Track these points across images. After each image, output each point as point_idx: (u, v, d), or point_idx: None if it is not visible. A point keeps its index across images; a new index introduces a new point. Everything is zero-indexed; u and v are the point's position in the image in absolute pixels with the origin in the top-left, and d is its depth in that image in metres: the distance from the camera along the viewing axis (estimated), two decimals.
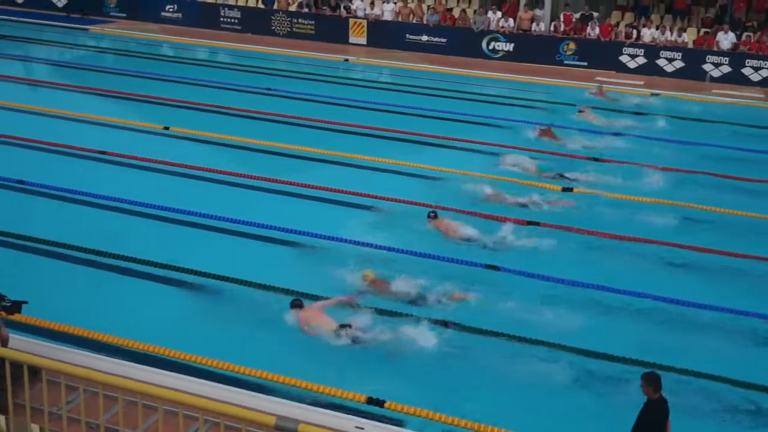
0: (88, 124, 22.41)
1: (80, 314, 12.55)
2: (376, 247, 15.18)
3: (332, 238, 15.50)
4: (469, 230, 15.89)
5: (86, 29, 34.52)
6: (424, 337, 12.11)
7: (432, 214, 16.21)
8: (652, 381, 8.72)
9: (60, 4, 36.80)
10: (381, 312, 12.83)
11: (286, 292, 13.32)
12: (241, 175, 18.63)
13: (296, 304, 12.62)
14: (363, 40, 32.88)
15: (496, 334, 12.46)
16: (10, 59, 29.79)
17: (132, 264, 14.35)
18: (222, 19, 34.76)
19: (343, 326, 12.13)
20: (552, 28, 31.17)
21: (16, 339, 10.13)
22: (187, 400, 6.41)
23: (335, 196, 17.66)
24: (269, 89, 26.47)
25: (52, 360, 7.80)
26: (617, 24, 31.52)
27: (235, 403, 8.52)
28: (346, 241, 15.42)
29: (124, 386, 6.63)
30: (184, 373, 10.70)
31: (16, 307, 10.98)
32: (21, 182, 17.90)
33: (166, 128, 22.06)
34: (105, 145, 20.25)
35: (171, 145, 21.08)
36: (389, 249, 15.14)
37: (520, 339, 12.35)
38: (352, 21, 33.00)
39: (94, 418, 7.65)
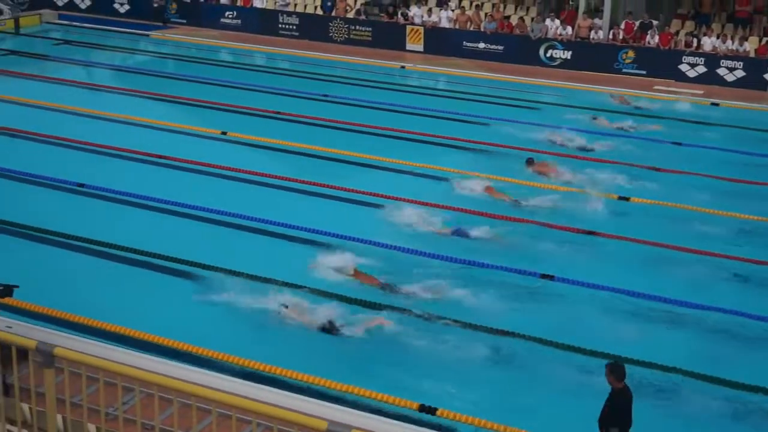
0: (147, 129, 22.76)
1: (142, 316, 12.78)
2: (435, 257, 15.16)
3: (387, 246, 15.53)
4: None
5: (147, 35, 35.06)
6: (476, 345, 12.08)
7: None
8: (615, 371, 9.05)
9: (122, 10, 37.43)
10: (438, 318, 12.86)
11: (348, 300, 13.37)
12: (296, 180, 18.75)
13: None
14: (420, 47, 32.89)
15: (548, 343, 12.41)
16: (74, 64, 30.39)
17: (187, 267, 14.53)
18: (280, 25, 35.05)
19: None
20: (611, 36, 30.86)
21: (73, 340, 10.31)
22: (241, 404, 6.46)
23: (390, 203, 17.66)
24: (326, 95, 26.60)
25: (109, 361, 7.92)
26: (677, 32, 31.09)
27: (288, 407, 8.57)
28: (401, 249, 15.43)
29: (179, 388, 6.70)
30: (237, 378, 10.80)
31: (8, 290, 12.11)
32: (81, 185, 18.23)
33: (224, 133, 22.30)
34: (163, 149, 20.54)
35: (228, 150, 21.29)
36: (453, 260, 15.07)
37: (573, 348, 12.27)
38: (409, 28, 33.03)
39: (150, 419, 7.75)
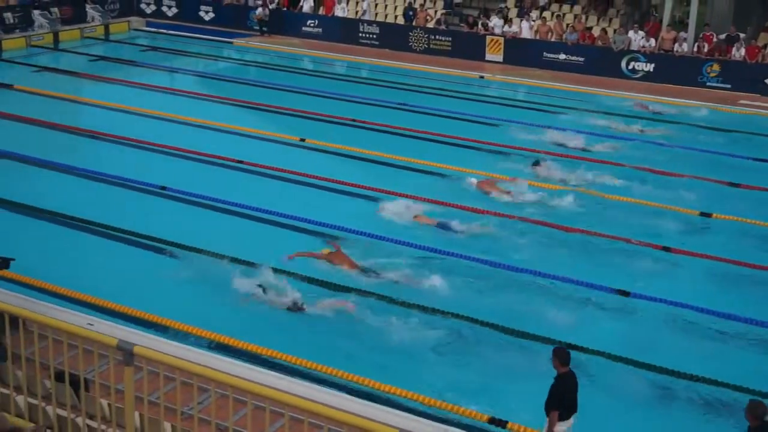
0: (228, 134, 23.15)
1: (228, 322, 12.99)
2: (517, 270, 15.12)
3: (458, 256, 15.52)
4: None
5: (230, 42, 35.67)
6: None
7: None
8: (559, 355, 9.35)
9: (207, 18, 38.13)
10: (506, 332, 12.82)
11: (432, 311, 13.40)
12: (373, 189, 18.83)
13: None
14: (499, 58, 32.78)
15: (619, 359, 12.33)
16: (159, 70, 31.08)
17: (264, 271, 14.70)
18: (361, 34, 35.30)
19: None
20: (695, 49, 30.31)
21: (152, 340, 10.54)
22: (313, 408, 6.54)
23: (465, 213, 17.64)
24: (403, 104, 26.69)
25: (186, 361, 8.08)
26: (765, 46, 30.37)
27: (362, 414, 8.63)
28: (476, 259, 15.42)
29: (253, 390, 6.81)
30: (315, 384, 10.95)
31: (5, 263, 13.12)
32: (163, 188, 18.64)
33: (302, 140, 22.55)
34: (243, 154, 20.88)
35: (306, 157, 21.51)
36: (533, 272, 15.01)
37: (649, 366, 12.12)
38: (488, 38, 32.95)
39: (224, 419, 7.89)
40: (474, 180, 19.31)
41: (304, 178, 19.49)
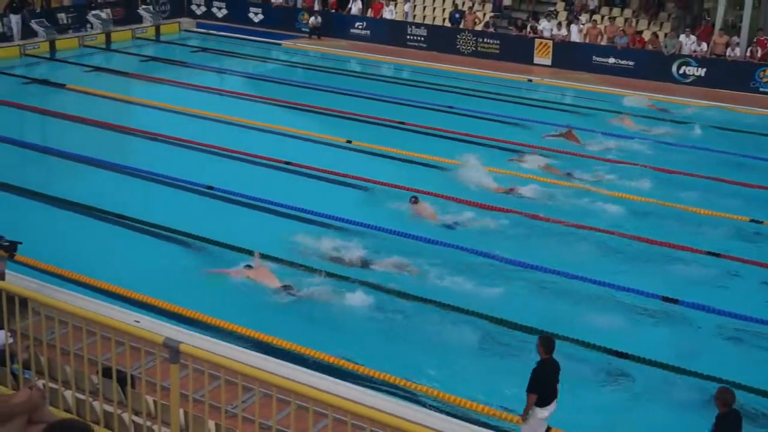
0: (275, 135, 23.29)
1: (272, 323, 13.07)
2: (569, 276, 15.00)
3: (515, 263, 15.46)
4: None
5: (279, 44, 35.88)
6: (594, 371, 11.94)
7: (413, 199, 17.45)
8: (545, 343, 9.77)
9: (257, 20, 38.40)
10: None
11: (479, 315, 13.34)
12: (419, 192, 18.79)
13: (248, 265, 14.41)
14: (548, 61, 32.57)
15: (666, 366, 12.21)
16: (209, 71, 31.37)
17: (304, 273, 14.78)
18: (408, 36, 35.30)
19: (285, 287, 13.89)
20: (748, 54, 29.85)
21: (197, 338, 10.62)
22: (357, 410, 6.53)
23: (512, 217, 17.56)
24: (451, 107, 26.64)
25: (231, 360, 8.13)
26: None
27: (407, 418, 8.64)
28: (526, 265, 15.32)
29: (296, 390, 6.83)
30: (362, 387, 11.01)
31: (13, 246, 13.45)
32: (210, 188, 18.80)
33: (349, 142, 22.61)
34: (290, 155, 20.99)
35: (352, 159, 21.56)
36: (565, 275, 14.92)
37: (690, 373, 12.02)
38: (537, 41, 32.75)
39: (267, 419, 7.93)
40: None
41: (350, 180, 19.53)
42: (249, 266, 14.54)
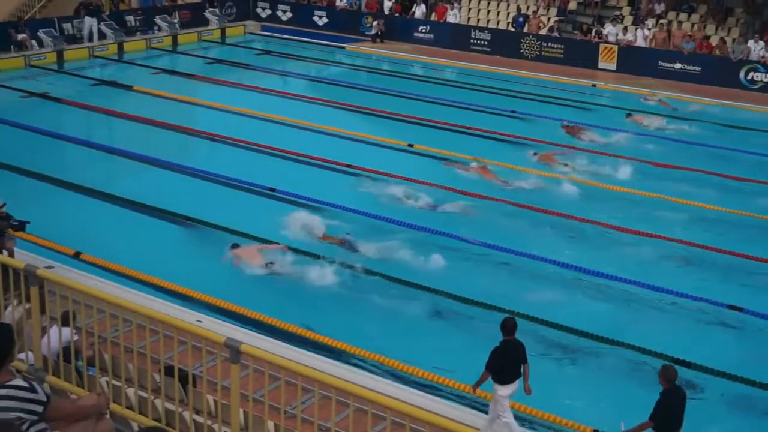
0: (337, 138, 23.35)
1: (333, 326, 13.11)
2: (628, 282, 14.90)
3: (582, 270, 15.36)
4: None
5: (342, 47, 36.03)
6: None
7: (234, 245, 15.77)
8: (506, 325, 10.16)
9: (321, 23, 38.63)
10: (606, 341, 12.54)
11: (557, 327, 13.26)
12: (480, 197, 18.73)
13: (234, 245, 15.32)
14: (612, 66, 32.19)
15: (731, 376, 12.03)
16: (273, 73, 31.64)
17: (367, 277, 14.80)
18: (472, 41, 35.19)
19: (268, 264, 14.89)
20: None
21: (257, 338, 10.70)
22: (416, 413, 6.50)
23: (579, 224, 17.39)
24: (513, 111, 26.47)
25: (291, 361, 8.15)
26: None
27: (466, 422, 8.59)
28: (602, 274, 15.17)
29: (355, 392, 6.82)
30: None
31: (21, 225, 14.47)
32: (272, 189, 18.94)
33: (410, 145, 22.58)
34: (352, 158, 21.04)
35: (413, 162, 21.52)
36: (659, 289, 14.71)
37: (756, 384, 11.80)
38: (602, 46, 32.39)
39: (326, 420, 7.94)
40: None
41: (411, 183, 19.49)
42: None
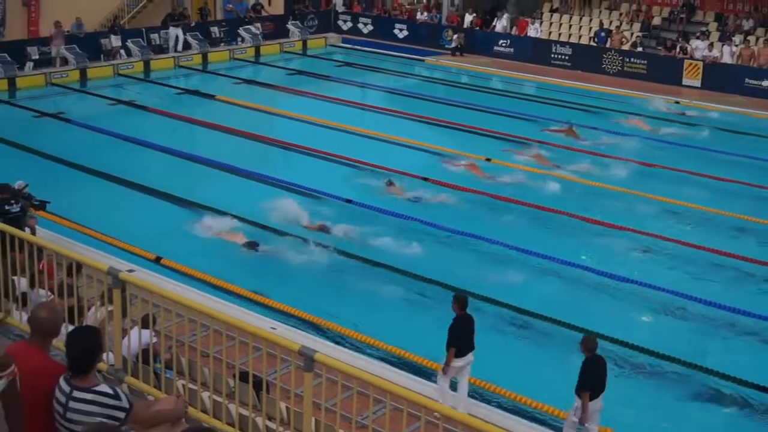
0: (414, 150, 23.38)
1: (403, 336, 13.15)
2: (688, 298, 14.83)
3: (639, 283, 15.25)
4: None
5: (422, 60, 36.12)
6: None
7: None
8: (459, 301, 10.99)
9: (401, 36, 38.78)
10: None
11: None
12: (559, 212, 18.59)
13: None
14: (697, 83, 31.58)
15: None
16: (352, 85, 31.88)
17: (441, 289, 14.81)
18: (553, 55, 34.93)
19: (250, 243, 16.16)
20: None
21: (331, 348, 10.76)
22: (488, 429, 6.47)
23: (659, 243, 17.16)
24: (594, 128, 26.11)
25: (364, 371, 8.18)
26: None
27: None
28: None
29: (427, 405, 6.82)
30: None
31: (42, 205, 15.73)
32: (349, 201, 19.07)
33: (488, 160, 22.48)
34: (428, 171, 21.06)
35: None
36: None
37: None
38: (686, 62, 31.81)
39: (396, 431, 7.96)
40: None
41: (488, 199, 19.42)
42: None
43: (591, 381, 9.99)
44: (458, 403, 10.68)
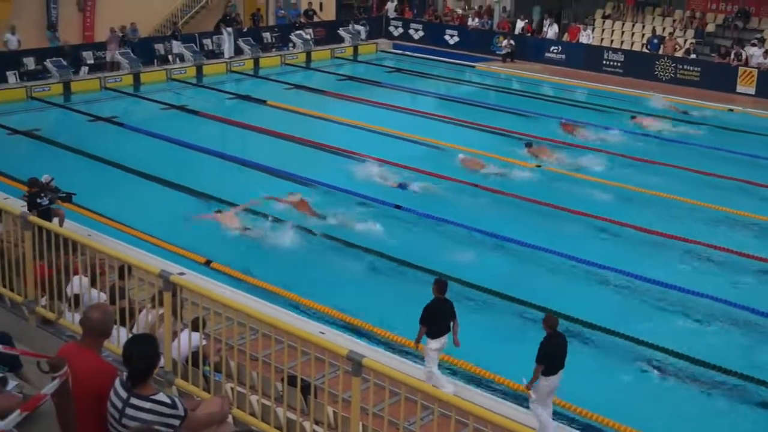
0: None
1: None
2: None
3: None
4: None
5: (473, 66, 36.02)
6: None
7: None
8: (438, 285, 11.61)
9: (452, 42, 38.71)
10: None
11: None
12: (605, 220, 18.42)
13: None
14: (751, 90, 31.08)
15: None
16: (402, 91, 31.86)
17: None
18: (605, 62, 34.63)
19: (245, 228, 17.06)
20: None
21: (379, 353, 10.75)
22: None
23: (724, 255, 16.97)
24: (646, 134, 25.82)
25: (411, 377, 8.16)
26: None
27: None
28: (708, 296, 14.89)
29: (475, 413, 6.78)
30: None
31: (68, 197, 16.61)
32: (398, 207, 19.06)
33: (539, 166, 22.33)
34: (479, 178, 20.98)
35: (542, 183, 21.25)
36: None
37: None
38: (741, 69, 31.32)
39: None
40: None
41: (540, 206, 19.28)
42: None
43: (548, 356, 10.46)
44: (447, 385, 11.15)
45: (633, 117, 27.51)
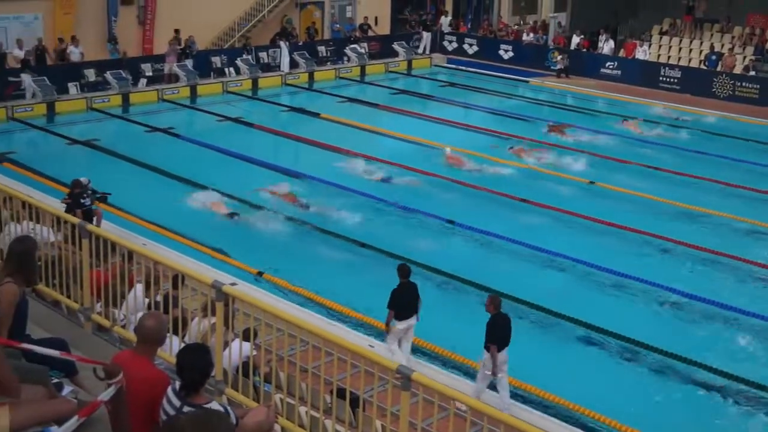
0: (516, 170, 23.18)
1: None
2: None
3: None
4: None
5: (527, 81, 35.88)
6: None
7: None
8: (401, 270, 12.47)
9: (506, 57, 38.61)
10: None
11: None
12: (663, 238, 18.21)
13: None
14: None
15: None
16: (454, 105, 31.87)
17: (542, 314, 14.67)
18: (661, 78, 34.26)
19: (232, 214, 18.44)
20: None
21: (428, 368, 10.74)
22: None
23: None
24: (700, 152, 25.49)
25: (460, 392, 8.15)
26: None
27: None
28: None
29: (523, 429, 6.73)
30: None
31: (104, 197, 17.57)
32: (451, 222, 19.05)
33: (592, 183, 22.17)
34: (528, 193, 20.91)
35: (594, 200, 21.10)
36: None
37: None
38: None
39: None
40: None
41: (591, 223, 19.14)
42: None
43: (498, 335, 11.22)
44: (401, 359, 11.56)
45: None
